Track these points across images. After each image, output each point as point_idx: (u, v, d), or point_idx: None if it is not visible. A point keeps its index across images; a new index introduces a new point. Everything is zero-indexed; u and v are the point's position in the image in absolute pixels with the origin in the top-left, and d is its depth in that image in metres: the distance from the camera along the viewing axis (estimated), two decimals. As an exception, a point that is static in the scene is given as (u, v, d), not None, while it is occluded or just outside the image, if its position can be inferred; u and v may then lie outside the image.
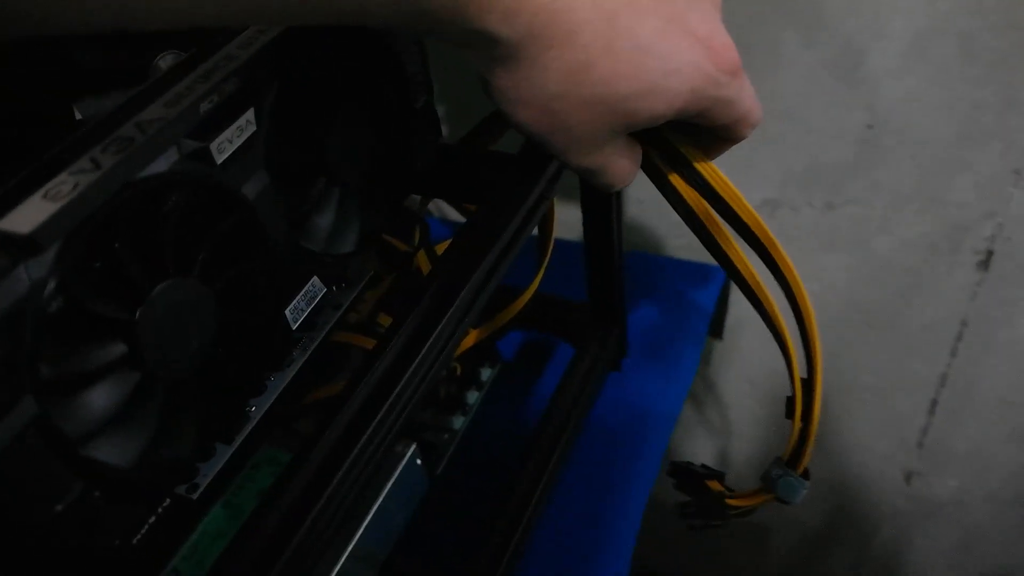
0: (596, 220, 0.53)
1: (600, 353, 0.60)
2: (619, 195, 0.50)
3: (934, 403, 0.86)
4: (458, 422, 0.55)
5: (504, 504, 0.51)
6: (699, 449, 1.03)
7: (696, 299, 0.71)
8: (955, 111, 0.64)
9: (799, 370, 0.44)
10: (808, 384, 0.43)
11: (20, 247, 0.23)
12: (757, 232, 0.37)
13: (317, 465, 0.30)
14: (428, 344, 0.33)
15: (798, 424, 0.44)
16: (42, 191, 0.24)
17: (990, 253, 0.72)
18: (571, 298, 0.63)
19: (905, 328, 0.81)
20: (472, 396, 0.57)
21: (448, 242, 0.53)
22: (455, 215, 0.80)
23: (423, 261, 0.52)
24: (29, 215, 0.23)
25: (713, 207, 0.36)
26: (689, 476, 0.48)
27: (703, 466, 0.50)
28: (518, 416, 0.60)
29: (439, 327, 0.34)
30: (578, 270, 0.56)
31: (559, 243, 0.52)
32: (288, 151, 0.32)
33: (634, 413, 0.61)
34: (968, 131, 0.65)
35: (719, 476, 0.48)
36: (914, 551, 1.03)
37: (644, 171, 0.36)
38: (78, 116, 0.35)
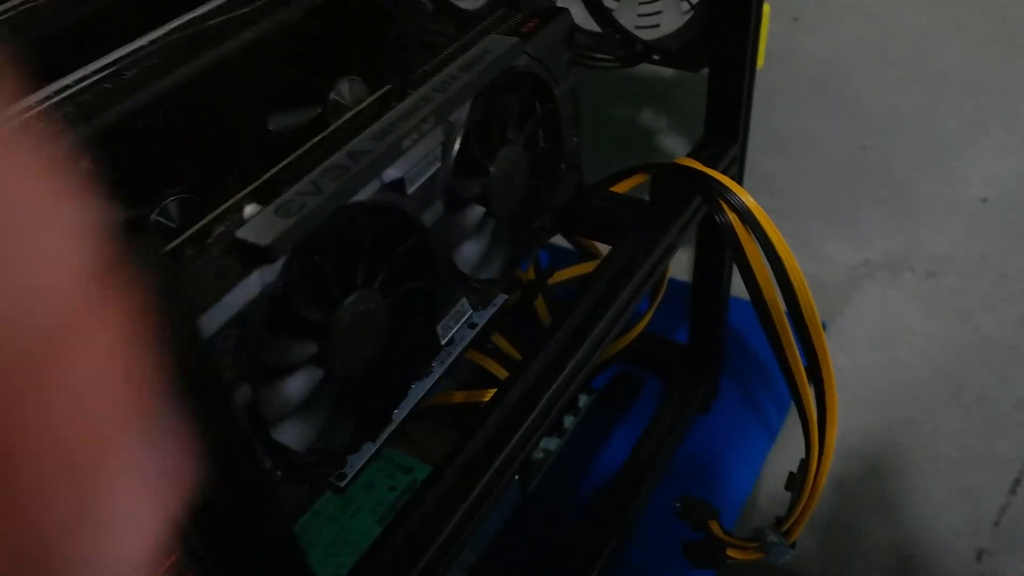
0: (709, 266, 0.55)
1: (693, 395, 0.62)
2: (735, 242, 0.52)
3: (1016, 483, 0.85)
4: (553, 443, 0.57)
5: (590, 527, 0.53)
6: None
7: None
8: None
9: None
10: (804, 467, 0.47)
11: (258, 255, 0.27)
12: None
13: (451, 484, 0.33)
14: (559, 380, 0.36)
15: (803, 500, 0.47)
16: (273, 206, 0.28)
17: (1095, 341, 0.71)
18: (662, 333, 0.65)
19: (995, 405, 0.80)
20: (568, 420, 0.59)
21: (566, 270, 0.56)
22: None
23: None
24: (265, 228, 0.27)
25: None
26: (694, 512, 0.52)
27: (702, 500, 0.53)
28: (608, 444, 0.62)
29: (570, 363, 0.37)
30: (672, 308, 0.58)
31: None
32: (461, 183, 0.36)
33: (718, 456, 0.63)
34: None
35: (716, 514, 0.52)
36: (977, 631, 1.01)
37: None
38: (270, 127, 0.39)
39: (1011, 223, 0.68)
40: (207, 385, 0.26)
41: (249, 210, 0.30)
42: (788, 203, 0.66)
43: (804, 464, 0.49)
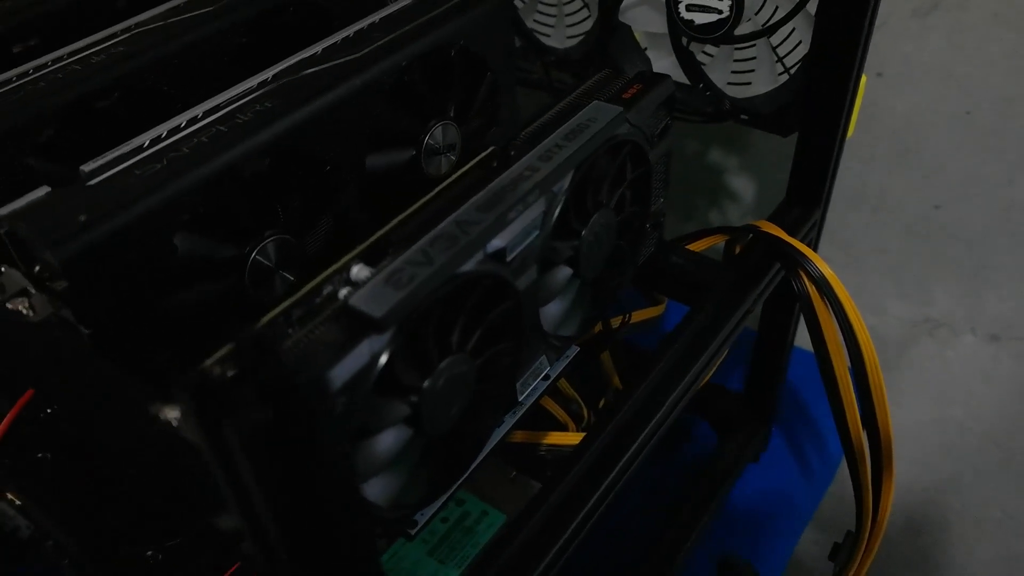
0: (777, 323, 0.55)
1: (746, 445, 0.61)
2: (810, 311, 0.52)
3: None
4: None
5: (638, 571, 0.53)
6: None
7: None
8: None
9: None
10: (855, 538, 0.47)
11: (370, 325, 0.27)
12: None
13: (533, 535, 0.34)
14: (635, 444, 0.37)
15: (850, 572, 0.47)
16: (384, 275, 0.29)
17: None
18: (716, 379, 0.65)
19: (1046, 474, 0.79)
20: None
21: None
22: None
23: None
24: (378, 298, 0.28)
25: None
26: (735, 572, 0.52)
27: (743, 560, 0.53)
28: (658, 487, 0.62)
29: (647, 427, 0.37)
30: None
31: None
32: (555, 247, 0.36)
33: (764, 511, 0.63)
34: None
35: (755, 572, 0.52)
36: None
37: None
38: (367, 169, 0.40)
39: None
40: (325, 450, 0.26)
41: (357, 272, 0.30)
42: (856, 257, 0.65)
43: (854, 536, 0.49)
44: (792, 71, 0.47)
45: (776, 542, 0.61)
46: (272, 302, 0.29)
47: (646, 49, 0.53)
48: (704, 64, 0.50)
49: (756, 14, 0.46)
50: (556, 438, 0.49)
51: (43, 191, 0.32)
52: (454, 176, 0.35)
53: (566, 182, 0.35)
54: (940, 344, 0.76)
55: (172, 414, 0.25)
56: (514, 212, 0.32)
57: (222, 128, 0.35)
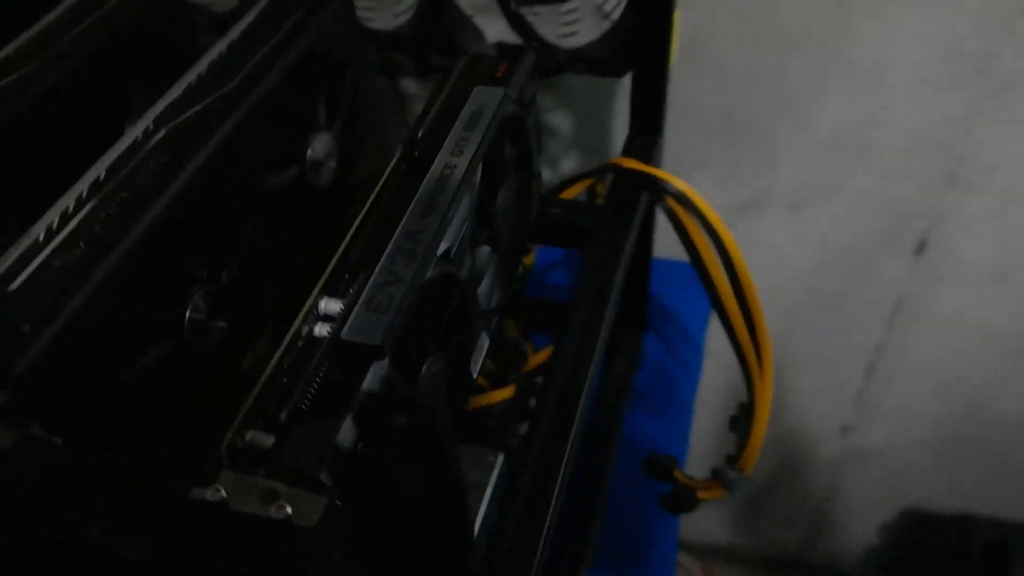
0: (641, 241, 0.61)
1: (632, 357, 0.68)
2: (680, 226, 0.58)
3: (870, 368, 1.01)
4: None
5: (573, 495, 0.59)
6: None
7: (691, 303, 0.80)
8: (906, 129, 0.76)
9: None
10: (750, 408, 0.54)
11: (371, 353, 0.28)
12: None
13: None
14: (586, 385, 0.41)
15: (754, 435, 0.55)
16: (362, 302, 0.30)
17: (924, 242, 0.85)
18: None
19: (850, 307, 0.94)
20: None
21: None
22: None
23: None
24: (370, 326, 0.29)
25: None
26: (659, 465, 0.59)
27: (661, 454, 0.60)
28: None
29: (588, 372, 0.42)
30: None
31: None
32: (478, 232, 0.38)
33: (655, 411, 0.70)
34: (915, 144, 0.77)
35: (676, 463, 0.59)
36: (845, 493, 1.19)
37: None
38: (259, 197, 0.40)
39: (853, 157, 0.79)
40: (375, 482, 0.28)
41: (325, 305, 0.31)
42: (677, 161, 0.72)
43: (749, 406, 0.55)
44: (612, 17, 0.51)
45: (674, 431, 0.69)
46: (210, 352, 0.29)
47: (471, 17, 0.55)
48: (533, 24, 0.53)
49: (576, -29, 0.50)
50: (490, 398, 0.52)
51: None
52: (376, 189, 0.36)
53: (479, 170, 0.37)
54: (755, 219, 0.87)
55: (218, 493, 0.26)
56: (451, 211, 0.34)
57: (125, 195, 0.33)
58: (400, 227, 0.33)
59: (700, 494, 0.58)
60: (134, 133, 0.36)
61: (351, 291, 0.31)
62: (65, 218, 0.32)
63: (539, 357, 0.60)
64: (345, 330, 0.29)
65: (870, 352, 0.99)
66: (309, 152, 0.43)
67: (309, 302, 0.31)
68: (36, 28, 0.41)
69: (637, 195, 0.50)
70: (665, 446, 0.67)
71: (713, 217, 0.50)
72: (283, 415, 0.27)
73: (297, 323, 0.30)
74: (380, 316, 0.29)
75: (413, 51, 0.55)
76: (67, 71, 0.40)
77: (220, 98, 0.38)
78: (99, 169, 0.34)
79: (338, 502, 0.25)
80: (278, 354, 0.29)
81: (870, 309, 0.94)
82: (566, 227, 0.50)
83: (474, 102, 0.38)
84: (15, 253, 0.31)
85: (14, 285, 0.30)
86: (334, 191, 0.45)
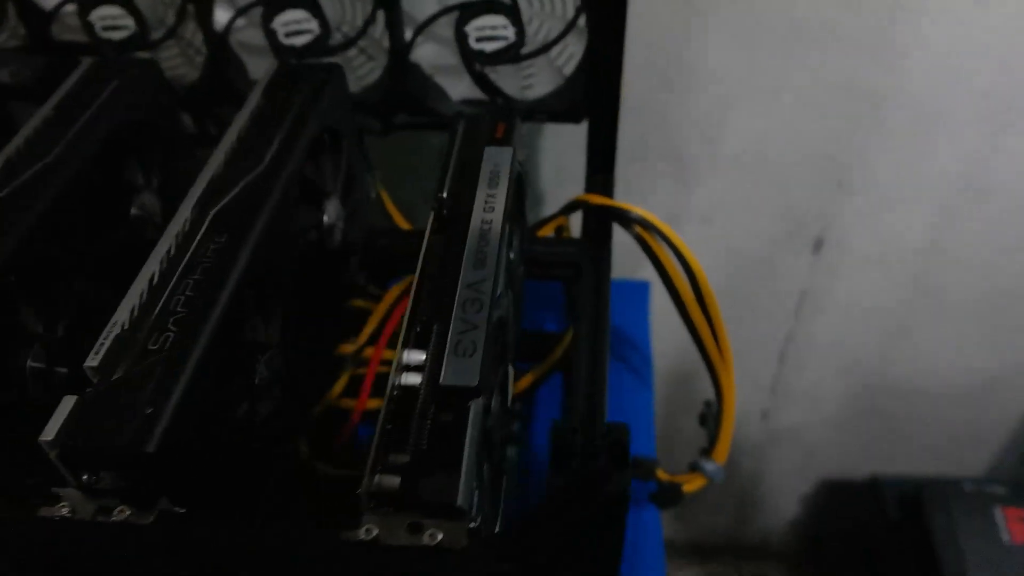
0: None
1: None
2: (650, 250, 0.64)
3: (783, 356, 1.11)
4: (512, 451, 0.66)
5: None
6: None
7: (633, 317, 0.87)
8: (799, 144, 0.86)
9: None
10: (718, 404, 0.61)
11: (471, 394, 0.33)
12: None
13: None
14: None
15: (724, 430, 0.61)
16: (449, 349, 0.34)
17: (820, 240, 0.96)
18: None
19: (762, 303, 1.04)
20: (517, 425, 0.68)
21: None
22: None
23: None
24: (465, 370, 0.33)
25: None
26: (642, 468, 0.65)
27: (648, 458, 0.66)
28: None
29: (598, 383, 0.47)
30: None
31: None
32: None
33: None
34: (807, 157, 0.87)
35: (657, 463, 0.65)
36: (768, 473, 1.30)
37: None
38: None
39: (756, 171, 0.89)
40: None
41: (409, 357, 0.35)
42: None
43: (718, 401, 0.62)
44: (566, 72, 0.58)
45: (643, 435, 0.75)
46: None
47: (433, 77, 0.60)
48: (495, 80, 0.58)
49: (535, 35, 0.56)
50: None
51: (69, 402, 0.31)
52: (424, 247, 0.40)
53: (508, 224, 0.42)
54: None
55: (371, 532, 0.29)
56: (500, 262, 0.38)
57: (197, 277, 0.36)
58: (461, 280, 0.37)
59: (685, 487, 0.64)
60: (180, 221, 0.38)
61: (432, 341, 0.35)
62: (145, 308, 0.34)
63: (522, 383, 0.65)
64: (442, 377, 0.33)
65: (781, 342, 1.10)
66: (325, 218, 0.46)
67: (397, 356, 0.34)
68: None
69: (608, 226, 0.57)
70: (635, 449, 0.73)
71: (676, 239, 0.57)
72: (406, 457, 0.31)
73: (392, 376, 0.34)
74: (469, 360, 0.34)
75: (379, 112, 0.60)
76: (82, 162, 0.42)
77: (255, 179, 0.41)
78: (158, 256, 0.37)
79: (473, 525, 0.30)
80: (383, 407, 0.33)
81: (779, 303, 1.05)
82: (553, 261, 0.55)
83: (489, 161, 0.43)
84: (105, 346, 0.33)
85: (117, 375, 0.32)
86: (342, 250, 0.49)
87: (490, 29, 0.55)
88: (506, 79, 0.58)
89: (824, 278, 1.00)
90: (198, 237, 0.38)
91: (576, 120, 0.59)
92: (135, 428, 0.30)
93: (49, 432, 0.30)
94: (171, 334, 0.33)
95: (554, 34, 0.55)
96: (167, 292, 0.35)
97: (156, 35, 0.58)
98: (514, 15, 0.54)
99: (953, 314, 1.04)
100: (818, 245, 0.97)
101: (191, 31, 0.58)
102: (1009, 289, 0.99)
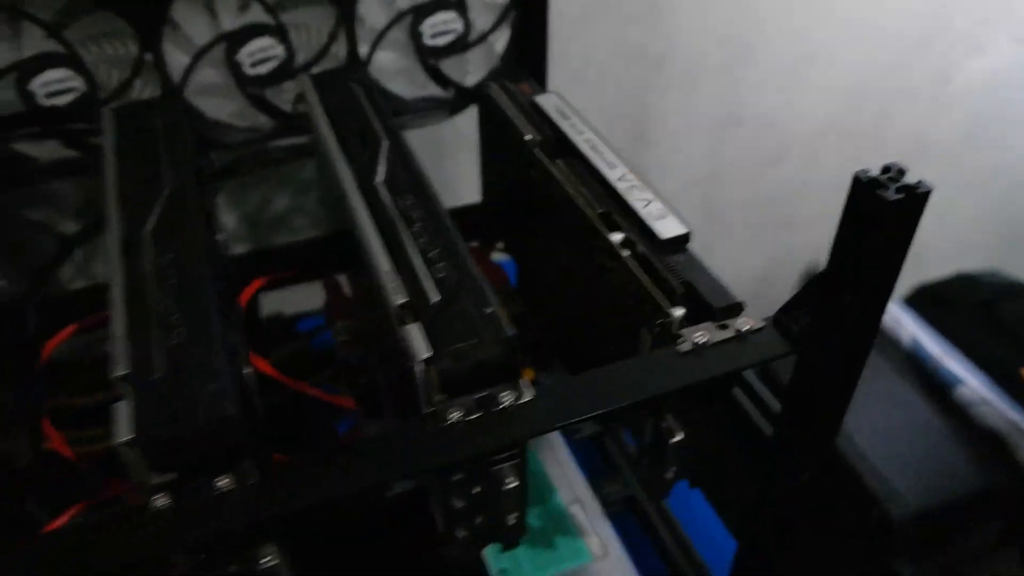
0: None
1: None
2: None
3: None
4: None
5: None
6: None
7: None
8: (603, 106, 1.03)
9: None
10: None
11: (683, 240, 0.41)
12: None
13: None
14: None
15: None
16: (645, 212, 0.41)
17: (634, 192, 1.15)
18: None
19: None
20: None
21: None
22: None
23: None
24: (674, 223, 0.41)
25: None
26: None
27: None
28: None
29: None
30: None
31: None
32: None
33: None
34: (612, 116, 1.04)
35: None
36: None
37: None
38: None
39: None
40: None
41: (616, 237, 0.42)
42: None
43: None
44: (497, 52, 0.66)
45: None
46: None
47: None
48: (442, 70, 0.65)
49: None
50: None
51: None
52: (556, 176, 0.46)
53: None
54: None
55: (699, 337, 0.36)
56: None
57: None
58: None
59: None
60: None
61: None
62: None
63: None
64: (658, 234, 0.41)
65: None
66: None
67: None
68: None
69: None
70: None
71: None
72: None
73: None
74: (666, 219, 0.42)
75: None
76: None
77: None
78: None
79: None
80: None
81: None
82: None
83: (545, 102, 0.51)
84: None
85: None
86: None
87: (442, 24, 0.62)
88: (453, 69, 0.65)
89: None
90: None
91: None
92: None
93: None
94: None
95: (489, 23, 0.63)
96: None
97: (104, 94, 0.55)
98: (461, 8, 0.62)
99: (734, 228, 1.28)
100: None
101: (140, 86, 0.56)
102: (770, 197, 1.26)
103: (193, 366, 0.33)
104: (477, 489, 0.38)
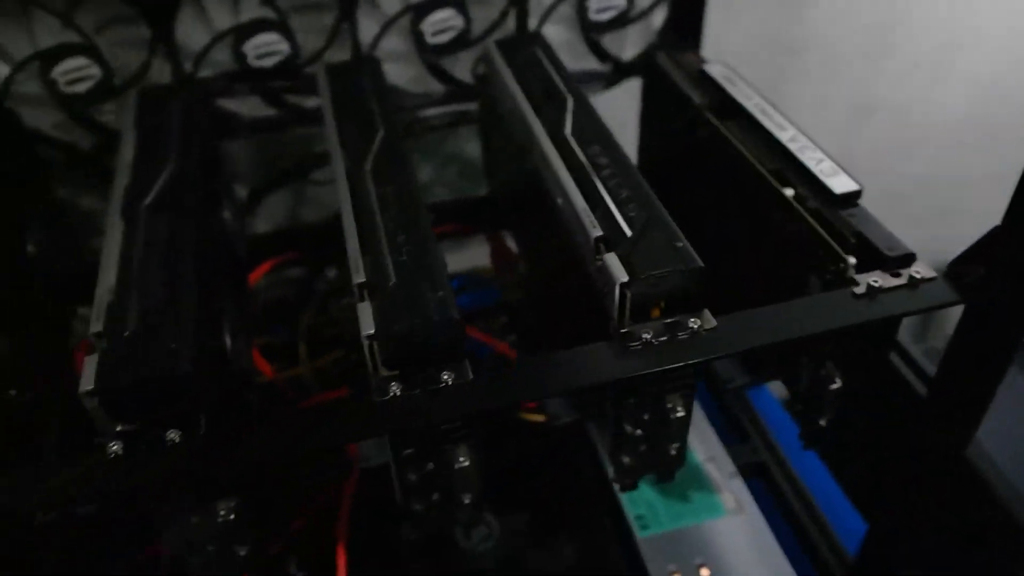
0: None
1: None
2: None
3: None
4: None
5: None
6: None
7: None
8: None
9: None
10: None
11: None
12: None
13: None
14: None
15: None
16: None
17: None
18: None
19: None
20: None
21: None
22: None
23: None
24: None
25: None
26: None
27: None
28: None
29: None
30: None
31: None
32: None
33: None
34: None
35: None
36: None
37: None
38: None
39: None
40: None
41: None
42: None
43: None
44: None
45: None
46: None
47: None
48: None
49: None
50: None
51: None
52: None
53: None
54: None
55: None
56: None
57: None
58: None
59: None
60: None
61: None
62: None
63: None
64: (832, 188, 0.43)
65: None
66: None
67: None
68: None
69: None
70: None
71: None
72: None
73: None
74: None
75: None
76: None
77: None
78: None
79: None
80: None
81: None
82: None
83: (713, 70, 0.54)
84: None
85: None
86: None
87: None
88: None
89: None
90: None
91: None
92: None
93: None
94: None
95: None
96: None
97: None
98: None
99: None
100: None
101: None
102: (898, 192, 1.24)
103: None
104: (647, 416, 0.41)
